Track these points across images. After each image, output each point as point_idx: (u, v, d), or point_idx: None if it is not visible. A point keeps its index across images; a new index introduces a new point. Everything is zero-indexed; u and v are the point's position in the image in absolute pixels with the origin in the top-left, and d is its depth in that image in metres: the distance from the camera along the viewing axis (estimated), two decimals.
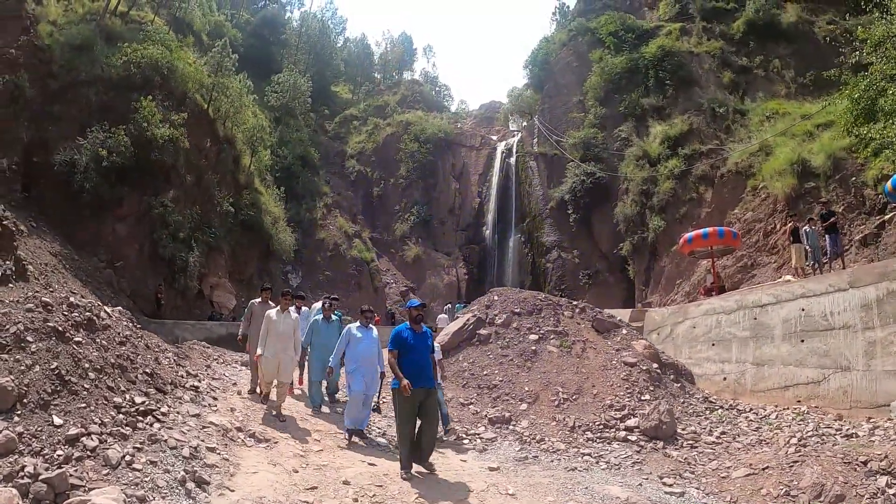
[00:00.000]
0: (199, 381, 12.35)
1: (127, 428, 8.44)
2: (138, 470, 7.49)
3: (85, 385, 8.82)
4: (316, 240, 46.99)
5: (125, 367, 10.00)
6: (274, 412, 11.80)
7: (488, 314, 16.31)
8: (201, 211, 32.67)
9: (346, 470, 9.28)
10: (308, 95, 53.01)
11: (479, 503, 8.35)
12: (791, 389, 14.85)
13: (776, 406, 14.40)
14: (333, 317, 14.00)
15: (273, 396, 12.42)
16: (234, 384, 13.66)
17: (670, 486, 9.36)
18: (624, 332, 16.45)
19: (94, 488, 6.92)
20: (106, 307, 11.59)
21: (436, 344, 11.47)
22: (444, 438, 11.65)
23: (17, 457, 7.31)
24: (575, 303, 17.50)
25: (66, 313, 9.93)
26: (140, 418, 8.87)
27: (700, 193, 34.46)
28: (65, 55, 28.61)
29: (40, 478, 6.88)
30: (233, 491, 7.72)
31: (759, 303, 16.76)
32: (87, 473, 7.24)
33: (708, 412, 13.57)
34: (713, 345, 18.16)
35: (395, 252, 51.82)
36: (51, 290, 17.35)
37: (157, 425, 8.89)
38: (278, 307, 12.28)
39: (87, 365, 9.17)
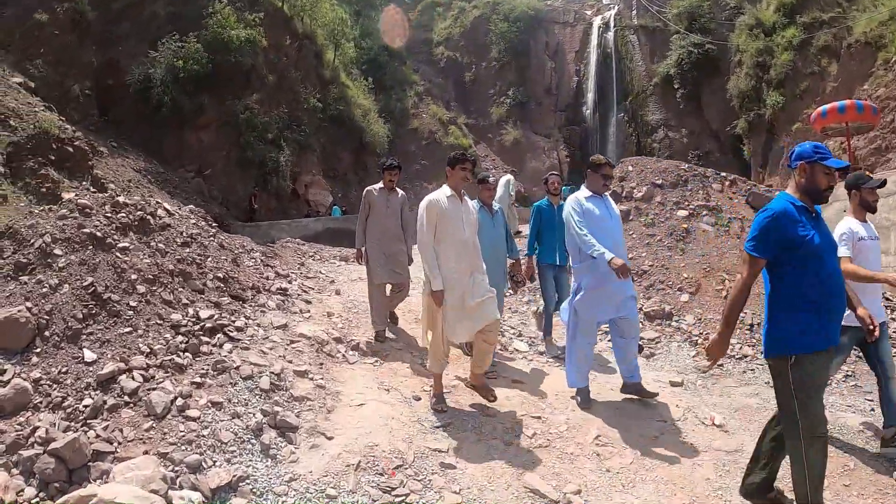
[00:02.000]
0: (290, 283, 9.97)
1: (185, 355, 6.12)
2: (194, 418, 5.13)
3: (130, 303, 6.52)
4: (409, 129, 44.12)
5: (189, 273, 7.66)
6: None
7: (624, 187, 13.32)
8: (288, 110, 30.60)
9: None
10: None
11: (680, 442, 5.73)
12: None
13: None
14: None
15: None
16: (332, 282, 11.27)
17: None
18: None
19: (127, 457, 4.58)
20: (166, 204, 9.19)
21: None
22: None
23: (30, 414, 5.07)
24: (723, 174, 14.22)
25: (108, 215, 7.59)
26: (205, 338, 6.53)
27: (823, 67, 30.35)
28: None
29: (49, 447, 4.58)
30: (331, 438, 5.34)
31: None
32: (122, 431, 4.92)
33: None
34: None
35: (492, 137, 48.34)
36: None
37: (228, 346, 6.55)
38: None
39: (134, 276, 6.85)
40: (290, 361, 6.61)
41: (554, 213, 8.78)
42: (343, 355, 7.48)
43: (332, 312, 9.04)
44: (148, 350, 5.96)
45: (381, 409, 6.02)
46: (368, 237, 8.69)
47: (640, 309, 9.94)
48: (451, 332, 6.14)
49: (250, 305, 8.02)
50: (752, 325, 9.48)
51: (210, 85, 26.37)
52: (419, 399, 6.51)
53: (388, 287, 8.88)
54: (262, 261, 10.79)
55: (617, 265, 5.90)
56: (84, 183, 15.76)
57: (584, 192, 6.73)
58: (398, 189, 9.03)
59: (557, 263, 8.72)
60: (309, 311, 8.72)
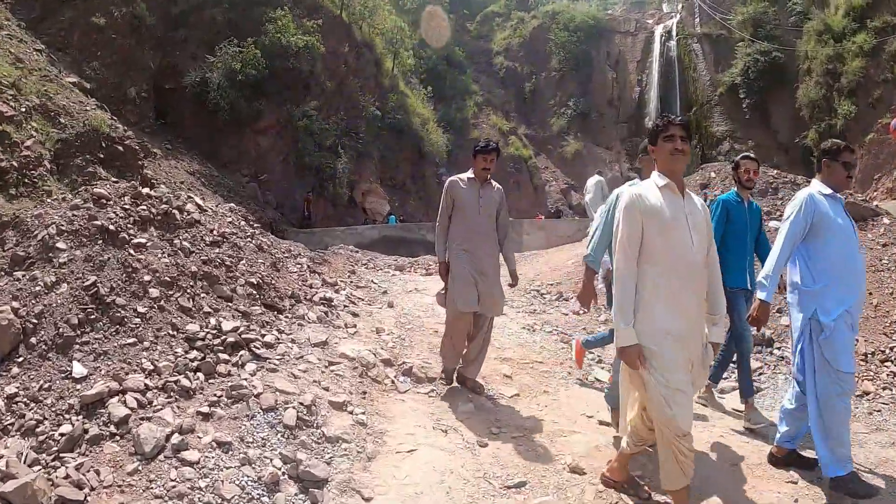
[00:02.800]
0: (337, 292, 8.75)
1: (196, 375, 4.90)
2: (192, 462, 3.87)
3: (139, 308, 5.36)
4: (469, 139, 42.54)
5: (215, 277, 6.47)
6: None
7: (707, 195, 11.97)
8: (346, 117, 29.86)
9: (574, 440, 5.35)
10: None
11: None
12: None
13: None
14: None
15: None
16: (385, 292, 10.05)
17: None
18: (886, 221, 11.61)
19: None
20: (198, 198, 8.07)
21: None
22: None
23: None
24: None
25: (126, 207, 6.47)
26: (224, 355, 5.32)
27: None
28: None
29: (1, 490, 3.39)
30: (368, 501, 3.95)
31: None
32: (98, 472, 3.71)
33: None
34: None
35: (552, 148, 47.04)
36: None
37: (251, 366, 5.28)
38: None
39: (147, 277, 5.70)
40: (327, 389, 5.31)
41: (745, 214, 6.42)
42: (392, 381, 6.16)
43: (382, 328, 7.75)
44: (151, 367, 4.76)
45: (437, 457, 4.63)
46: (452, 245, 6.28)
47: None
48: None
49: (287, 317, 6.79)
50: (866, 355, 7.94)
51: (268, 90, 25.91)
52: (485, 446, 5.01)
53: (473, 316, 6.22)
54: (308, 267, 9.62)
55: None
56: (132, 181, 15.12)
57: (818, 186, 4.90)
58: (493, 182, 6.60)
59: (749, 288, 6.22)
60: (355, 326, 7.44)
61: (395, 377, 6.27)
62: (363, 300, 9.08)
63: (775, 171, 12.72)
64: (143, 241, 6.12)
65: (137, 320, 5.22)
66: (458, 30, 52.29)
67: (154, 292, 5.60)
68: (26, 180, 11.43)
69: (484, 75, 50.39)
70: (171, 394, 4.54)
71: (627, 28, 50.41)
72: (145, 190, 7.09)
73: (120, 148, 15.33)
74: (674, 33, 47.22)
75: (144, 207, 6.63)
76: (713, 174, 12.64)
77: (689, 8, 46.65)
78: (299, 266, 9.28)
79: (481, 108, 46.41)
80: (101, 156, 14.59)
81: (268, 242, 9.08)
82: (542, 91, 49.74)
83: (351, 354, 6.19)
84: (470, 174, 6.45)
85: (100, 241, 5.79)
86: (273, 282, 7.43)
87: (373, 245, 19.48)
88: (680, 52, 46.16)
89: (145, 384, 4.54)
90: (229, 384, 4.78)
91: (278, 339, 6.01)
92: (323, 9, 30.68)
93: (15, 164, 11.30)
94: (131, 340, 5.00)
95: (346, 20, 32.38)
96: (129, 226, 6.19)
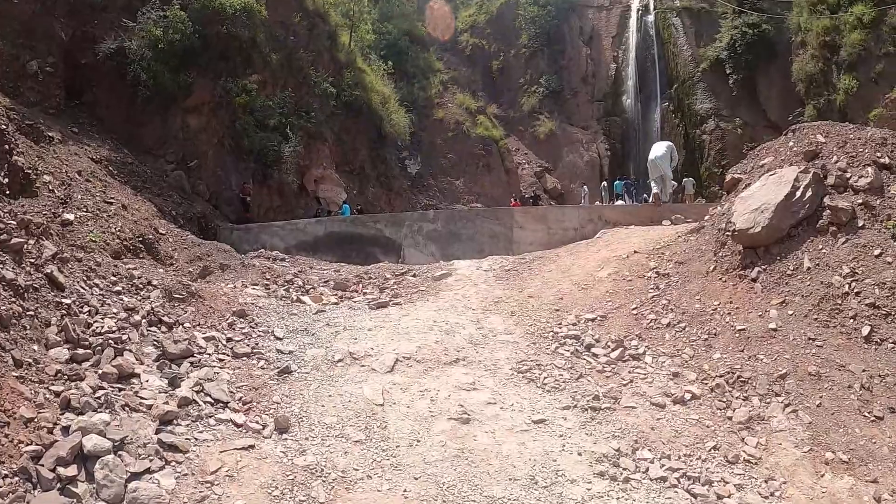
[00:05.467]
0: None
1: None
2: None
3: None
4: (433, 120, 39.72)
5: None
6: None
7: (828, 169, 8.27)
8: (295, 95, 25.97)
9: None
10: None
11: None
12: None
13: None
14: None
15: None
16: (283, 373, 6.45)
17: None
18: None
19: None
20: None
21: None
22: None
23: None
24: None
25: None
26: None
27: None
28: None
29: None
30: None
31: None
32: None
33: None
34: None
35: (523, 130, 43.82)
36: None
37: None
38: None
39: None
40: None
41: None
42: None
43: None
44: None
45: None
46: None
47: None
48: None
49: None
50: None
51: (199, 61, 21.88)
52: None
53: None
54: (151, 313, 5.81)
55: None
56: None
57: None
58: None
59: None
60: None
61: None
62: (206, 425, 5.30)
63: None
64: None
65: None
66: (421, 7, 48.66)
67: None
68: None
69: (448, 53, 46.99)
70: None
71: (601, 2, 47.50)
72: None
73: None
74: (651, 7, 44.75)
75: None
76: (821, 137, 8.89)
77: None
78: (130, 313, 5.49)
79: (446, 87, 43.01)
80: None
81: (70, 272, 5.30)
82: (511, 69, 46.77)
83: None
84: None
85: None
86: None
87: (317, 245, 15.74)
88: (658, 27, 43.80)
89: None
90: None
91: None
92: None
93: None
94: None
95: None
96: None
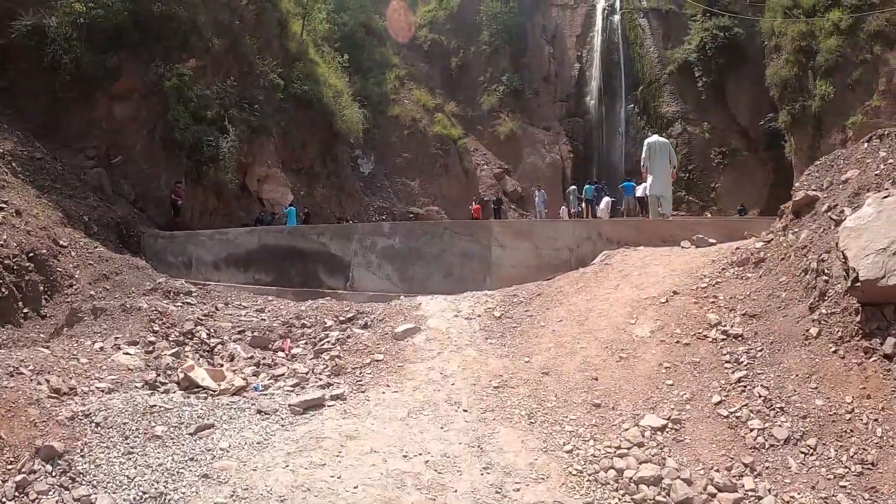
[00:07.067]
0: None
1: None
2: None
3: None
4: (389, 117, 37.60)
5: None
6: None
7: None
8: (238, 85, 23.45)
9: None
10: None
11: None
12: None
13: None
14: None
15: None
16: None
17: None
18: None
19: None
20: None
21: None
22: None
23: None
24: None
25: None
26: None
27: (877, 55, 26.78)
28: None
29: None
30: None
31: None
32: None
33: None
34: None
35: (482, 129, 41.87)
36: None
37: None
38: None
39: None
40: None
41: None
42: None
43: None
44: None
45: None
46: None
47: None
48: None
49: None
50: None
51: (131, 42, 19.44)
52: None
53: None
54: None
55: None
56: None
57: None
58: None
59: None
60: None
61: None
62: None
63: None
64: None
65: None
66: (379, 2, 46.47)
67: None
68: None
69: (406, 48, 44.73)
70: None
71: (566, 0, 45.82)
72: None
73: None
74: (618, 7, 43.37)
75: None
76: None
77: None
78: None
79: (403, 83, 40.87)
80: None
81: None
82: (471, 66, 44.80)
83: None
84: None
85: None
86: None
87: (250, 260, 13.30)
88: (625, 28, 42.48)
89: None
90: None
91: None
92: None
93: None
94: None
95: None
96: None
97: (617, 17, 43.03)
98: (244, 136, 22.63)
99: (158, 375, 6.71)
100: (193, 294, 9.68)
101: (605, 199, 27.28)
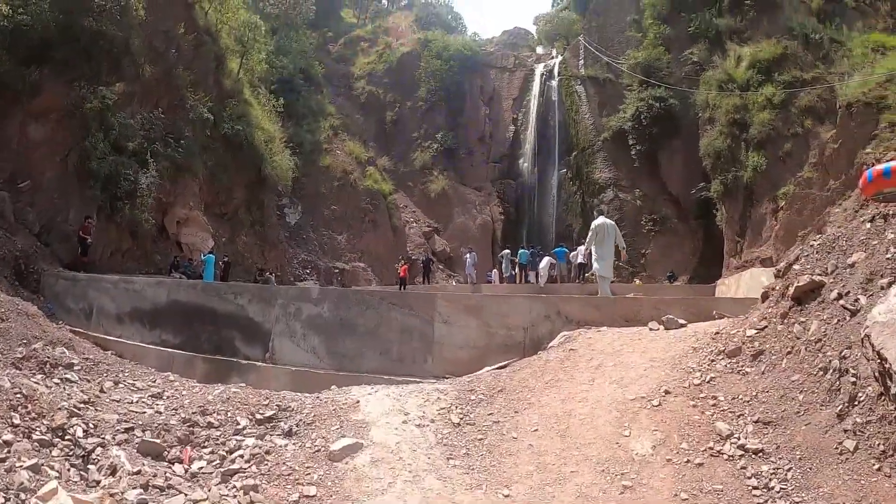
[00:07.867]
0: None
1: None
2: None
3: None
4: (319, 167, 36.37)
5: None
6: None
7: None
8: (166, 117, 22.04)
9: None
10: (312, 3, 42.11)
11: None
12: None
13: None
14: None
15: None
16: None
17: None
18: None
19: None
20: None
21: None
22: None
23: None
24: None
25: None
26: None
27: (808, 128, 27.33)
28: None
29: None
30: None
31: None
32: None
33: None
34: None
35: (413, 186, 41.34)
36: None
37: None
38: None
39: None
40: None
41: None
42: None
43: None
44: None
45: None
46: None
47: None
48: None
49: None
50: None
51: (56, 57, 17.95)
52: None
53: None
54: None
55: None
56: None
57: None
58: None
59: None
60: None
61: None
62: None
63: None
64: None
65: None
66: (319, 50, 45.93)
67: None
68: None
69: (342, 98, 44.26)
70: None
71: (505, 63, 46.65)
72: None
73: None
74: (556, 73, 44.09)
75: None
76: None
77: (574, 50, 43.69)
78: None
79: (337, 133, 40.02)
80: None
81: None
82: (406, 121, 44.37)
83: None
84: None
85: None
86: None
87: (157, 317, 11.75)
88: (562, 94, 43.03)
89: None
90: None
91: None
92: None
93: None
94: None
95: None
96: None
97: (555, 83, 43.50)
98: (166, 173, 21.03)
99: (6, 502, 4.76)
100: (76, 367, 7.84)
101: (546, 259, 27.12)
